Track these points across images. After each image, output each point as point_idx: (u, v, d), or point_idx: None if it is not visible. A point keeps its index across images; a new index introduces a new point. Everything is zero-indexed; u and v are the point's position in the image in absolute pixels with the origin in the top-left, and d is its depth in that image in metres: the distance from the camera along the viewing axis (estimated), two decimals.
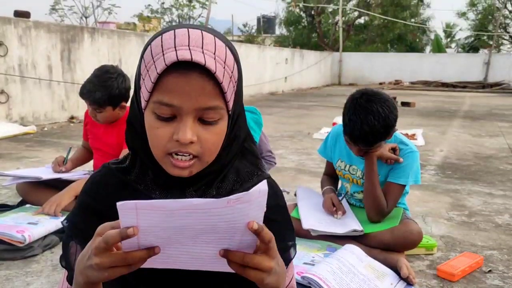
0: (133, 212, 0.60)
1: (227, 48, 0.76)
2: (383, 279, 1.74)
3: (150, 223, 0.61)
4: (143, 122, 0.79)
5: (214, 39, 0.75)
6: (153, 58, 0.74)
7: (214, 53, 0.73)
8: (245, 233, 0.64)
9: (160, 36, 0.75)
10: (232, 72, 0.76)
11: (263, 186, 0.62)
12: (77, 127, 6.06)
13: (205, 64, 0.71)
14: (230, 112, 0.79)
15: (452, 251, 2.17)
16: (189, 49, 0.71)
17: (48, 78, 6.41)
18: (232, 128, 0.82)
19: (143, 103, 0.77)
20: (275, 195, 0.92)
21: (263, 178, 0.91)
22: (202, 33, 0.75)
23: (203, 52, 0.72)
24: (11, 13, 6.20)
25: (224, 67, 0.74)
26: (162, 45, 0.73)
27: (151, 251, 0.64)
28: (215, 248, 0.66)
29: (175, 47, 0.72)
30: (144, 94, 0.76)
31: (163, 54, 0.72)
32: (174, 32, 0.74)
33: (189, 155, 0.76)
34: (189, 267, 0.70)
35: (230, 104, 0.78)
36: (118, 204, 0.60)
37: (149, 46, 0.76)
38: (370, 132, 1.84)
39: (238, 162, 0.89)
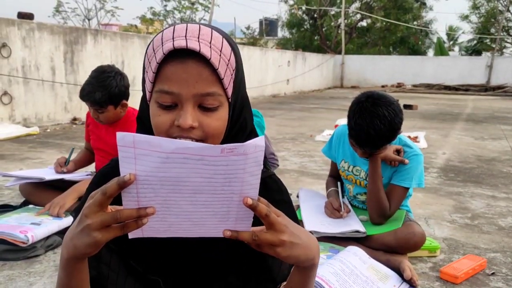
0: (131, 153, 0.61)
1: (224, 39, 0.80)
2: (386, 281, 1.74)
3: (147, 170, 0.61)
4: (149, 115, 0.82)
5: (211, 31, 0.79)
6: (154, 51, 0.78)
7: (210, 42, 0.77)
8: (243, 194, 0.65)
9: (162, 32, 0.79)
10: (229, 61, 0.79)
11: (260, 141, 0.62)
12: (80, 128, 6.07)
13: (199, 50, 0.74)
14: (230, 100, 0.81)
15: (455, 254, 2.16)
16: (186, 38, 0.75)
17: (51, 79, 6.43)
18: (233, 116, 0.84)
19: (147, 95, 0.81)
20: (279, 191, 0.94)
21: (268, 175, 0.92)
22: (199, 26, 0.79)
23: (198, 41, 0.76)
24: (15, 15, 6.22)
25: (220, 55, 0.77)
26: (162, 38, 0.77)
27: (143, 210, 0.63)
28: (214, 213, 0.66)
29: (173, 38, 0.76)
30: (147, 86, 0.80)
31: (162, 45, 0.76)
32: (174, 27, 0.79)
33: (191, 140, 0.78)
34: (192, 234, 0.70)
35: (229, 91, 0.80)
36: (118, 134, 0.60)
37: (151, 42, 0.80)
38: (376, 136, 1.84)
39: None
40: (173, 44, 0.74)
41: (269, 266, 0.87)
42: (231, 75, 0.80)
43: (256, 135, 0.92)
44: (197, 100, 0.77)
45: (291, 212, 0.94)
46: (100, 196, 0.63)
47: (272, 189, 0.93)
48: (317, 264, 0.77)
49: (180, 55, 0.75)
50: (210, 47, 0.76)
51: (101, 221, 0.64)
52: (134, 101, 2.38)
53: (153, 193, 0.64)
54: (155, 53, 0.77)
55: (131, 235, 0.68)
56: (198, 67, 0.75)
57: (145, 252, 0.87)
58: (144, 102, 0.86)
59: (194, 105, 0.77)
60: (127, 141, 0.61)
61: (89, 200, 0.65)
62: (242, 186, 0.64)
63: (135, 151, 0.61)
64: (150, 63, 0.78)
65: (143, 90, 0.85)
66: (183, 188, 0.63)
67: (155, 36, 0.81)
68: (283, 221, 0.70)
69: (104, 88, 2.23)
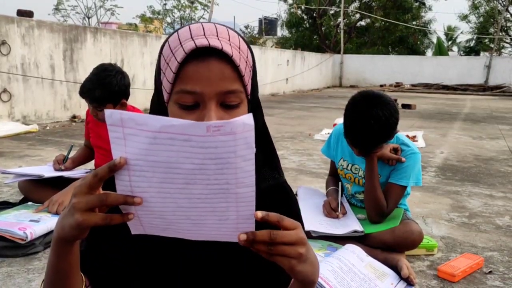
0: (120, 132, 0.60)
1: (239, 37, 0.80)
2: (383, 279, 1.75)
3: (137, 153, 0.61)
4: (163, 115, 0.80)
5: (227, 29, 0.79)
6: (172, 51, 0.77)
7: (229, 40, 0.77)
8: (239, 183, 0.62)
9: (176, 33, 0.78)
10: (247, 58, 0.79)
11: (247, 119, 0.59)
12: (79, 126, 6.07)
13: (222, 48, 0.74)
14: (249, 97, 0.81)
15: (453, 252, 2.17)
16: (206, 37, 0.75)
17: (51, 77, 6.43)
18: (252, 112, 0.83)
19: (165, 96, 0.80)
20: (289, 200, 0.92)
21: (280, 182, 0.91)
22: (215, 25, 0.79)
23: (219, 39, 0.75)
24: (14, 12, 6.22)
25: (239, 52, 0.77)
26: (179, 39, 0.77)
27: (130, 197, 0.63)
28: (212, 209, 0.64)
29: (192, 37, 0.75)
30: (166, 87, 0.79)
31: (181, 45, 0.75)
32: (189, 27, 0.78)
33: None
34: (194, 236, 0.69)
35: (248, 88, 0.80)
36: (106, 111, 0.59)
37: (167, 43, 0.79)
38: (371, 136, 1.84)
39: (257, 158, 0.89)
40: (194, 43, 0.74)
41: (271, 271, 0.86)
42: (250, 72, 0.80)
43: (267, 134, 0.91)
44: (219, 98, 0.76)
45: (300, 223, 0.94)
46: (91, 177, 0.63)
47: (282, 198, 0.91)
48: (316, 282, 0.76)
49: (201, 53, 0.74)
50: (230, 44, 0.76)
51: (86, 202, 0.63)
52: (133, 100, 2.39)
53: (146, 182, 0.63)
54: (174, 54, 0.76)
55: (133, 231, 0.68)
56: (221, 65, 0.75)
57: (144, 254, 0.87)
58: (157, 104, 0.84)
59: (217, 103, 0.76)
60: (115, 119, 0.59)
61: (82, 181, 0.65)
62: (236, 174, 0.61)
63: (123, 130, 0.60)
64: (168, 64, 0.77)
65: (156, 92, 0.83)
66: (175, 177, 0.62)
67: (169, 37, 0.80)
68: (303, 235, 0.69)
69: (104, 86, 2.24)
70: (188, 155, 0.60)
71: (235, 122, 0.58)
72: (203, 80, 0.74)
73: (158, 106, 0.83)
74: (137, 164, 0.61)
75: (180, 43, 0.75)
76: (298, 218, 0.93)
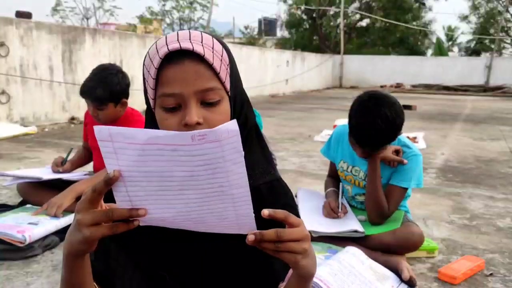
0: (110, 147, 0.62)
1: (213, 38, 0.85)
2: (384, 281, 1.74)
3: (129, 165, 0.63)
4: (156, 123, 0.85)
5: (201, 33, 0.84)
6: (150, 60, 0.82)
7: (201, 42, 0.81)
8: (232, 185, 0.64)
9: (155, 44, 0.84)
10: (222, 56, 0.83)
11: (231, 126, 0.61)
12: (78, 128, 6.06)
13: (193, 49, 0.78)
14: (229, 94, 0.84)
15: (454, 254, 2.16)
16: (178, 41, 0.80)
17: (49, 79, 6.42)
18: (235, 110, 0.87)
19: (151, 103, 0.84)
20: (285, 195, 0.95)
21: (275, 178, 0.94)
22: (189, 31, 0.84)
23: (191, 42, 0.80)
24: (13, 14, 6.22)
25: (212, 51, 0.82)
26: (156, 48, 0.81)
27: (134, 211, 0.66)
28: (210, 210, 0.66)
29: (166, 44, 0.80)
30: (150, 94, 0.83)
31: (158, 53, 0.80)
32: (166, 36, 0.84)
33: None
34: (198, 229, 0.72)
35: (227, 85, 0.84)
36: (95, 128, 0.62)
37: (147, 54, 0.84)
38: (377, 136, 1.84)
39: (252, 156, 0.91)
40: (167, 48, 0.78)
41: (271, 264, 0.88)
42: (226, 69, 0.84)
43: (258, 132, 0.94)
44: (198, 97, 0.80)
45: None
46: (90, 193, 0.66)
47: (279, 193, 0.94)
48: (314, 275, 0.79)
49: (176, 57, 0.79)
50: (202, 45, 0.80)
51: (92, 218, 0.66)
52: (132, 100, 2.39)
53: (142, 191, 0.65)
54: (152, 62, 0.81)
55: (142, 223, 0.70)
56: (195, 65, 0.79)
57: (151, 247, 0.89)
58: (149, 116, 0.89)
59: (197, 102, 0.80)
60: (104, 134, 0.62)
61: (83, 196, 0.68)
62: (228, 177, 0.63)
63: (113, 145, 0.62)
64: (149, 71, 0.82)
65: (147, 102, 0.88)
66: (170, 185, 0.64)
67: (149, 49, 0.85)
68: (307, 231, 0.72)
69: (105, 84, 2.22)
70: (178, 163, 0.62)
71: (219, 130, 0.60)
72: (180, 81, 0.79)
73: (150, 118, 0.88)
74: (131, 175, 0.64)
75: (157, 51, 0.80)
76: (295, 211, 0.96)
